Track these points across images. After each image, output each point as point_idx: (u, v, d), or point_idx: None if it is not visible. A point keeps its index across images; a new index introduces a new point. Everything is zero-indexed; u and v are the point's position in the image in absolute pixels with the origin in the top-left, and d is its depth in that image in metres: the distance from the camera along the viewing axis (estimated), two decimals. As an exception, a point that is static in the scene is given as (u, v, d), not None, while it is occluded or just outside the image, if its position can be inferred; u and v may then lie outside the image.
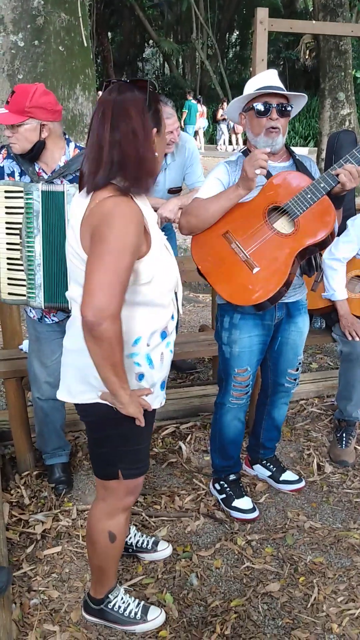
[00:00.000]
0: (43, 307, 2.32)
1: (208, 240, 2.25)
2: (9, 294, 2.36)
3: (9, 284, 2.34)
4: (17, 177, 2.30)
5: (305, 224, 2.22)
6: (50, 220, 2.23)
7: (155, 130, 1.54)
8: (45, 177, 2.28)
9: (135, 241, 1.47)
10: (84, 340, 1.49)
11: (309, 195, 2.19)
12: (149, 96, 1.49)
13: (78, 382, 1.66)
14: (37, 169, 2.29)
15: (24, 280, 2.32)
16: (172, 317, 1.71)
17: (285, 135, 2.27)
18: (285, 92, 2.18)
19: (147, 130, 1.50)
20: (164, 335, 1.67)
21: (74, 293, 1.61)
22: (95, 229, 1.46)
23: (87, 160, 1.53)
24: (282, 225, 2.23)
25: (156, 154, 1.56)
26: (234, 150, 17.04)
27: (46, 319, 2.45)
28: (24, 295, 2.33)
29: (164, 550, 2.31)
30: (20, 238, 2.28)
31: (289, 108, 2.22)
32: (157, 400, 1.73)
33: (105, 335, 1.43)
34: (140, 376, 1.65)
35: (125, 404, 1.58)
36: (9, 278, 2.34)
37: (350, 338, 2.88)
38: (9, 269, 2.33)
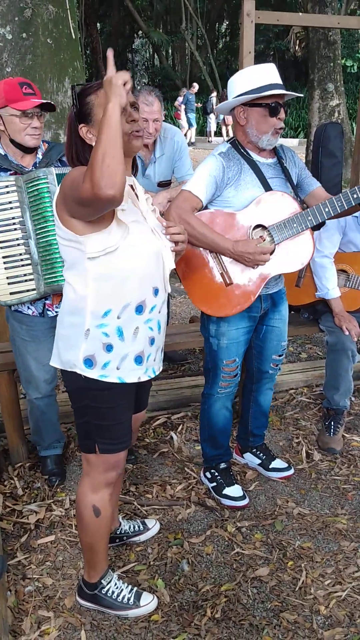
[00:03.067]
0: (43, 292, 2.30)
1: (189, 245, 2.25)
2: (11, 293, 2.30)
3: (9, 283, 2.30)
4: None
5: (284, 254, 2.29)
6: None
7: (82, 125, 1.63)
8: (29, 169, 2.30)
9: None
10: (63, 312, 1.72)
11: (294, 225, 2.24)
12: (73, 97, 1.64)
13: (61, 351, 1.76)
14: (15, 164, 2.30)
15: (28, 274, 2.29)
16: (155, 294, 1.75)
17: None
18: (294, 94, 2.19)
19: (73, 127, 1.65)
20: (139, 309, 1.71)
21: (64, 268, 1.74)
22: (60, 188, 1.60)
23: None
24: (263, 242, 2.28)
25: (93, 143, 1.62)
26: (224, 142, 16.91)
27: (49, 312, 2.42)
28: (31, 290, 2.30)
29: (154, 526, 2.42)
30: (24, 232, 2.26)
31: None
32: (132, 373, 1.76)
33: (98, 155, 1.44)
34: (109, 347, 1.70)
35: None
36: (8, 277, 2.29)
37: (347, 333, 2.92)
38: (6, 268, 2.28)
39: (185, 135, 17.96)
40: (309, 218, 2.23)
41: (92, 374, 1.70)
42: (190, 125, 17.83)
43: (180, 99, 17.45)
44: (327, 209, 2.23)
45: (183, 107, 17.48)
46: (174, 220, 2.17)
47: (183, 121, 17.59)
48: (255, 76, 2.18)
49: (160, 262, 1.75)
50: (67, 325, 1.73)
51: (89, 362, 1.70)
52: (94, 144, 1.58)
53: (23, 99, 2.18)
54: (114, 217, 1.62)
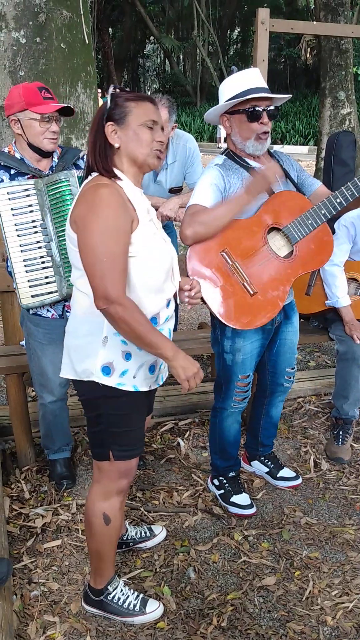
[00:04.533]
0: (65, 294, 2.30)
1: (206, 256, 2.20)
2: (33, 296, 2.30)
3: (30, 287, 2.29)
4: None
5: (305, 252, 2.25)
6: None
7: (110, 122, 1.65)
8: (46, 173, 2.31)
9: (121, 221, 1.58)
10: (77, 322, 1.72)
11: (309, 221, 2.21)
12: (110, 95, 1.65)
13: (75, 361, 1.75)
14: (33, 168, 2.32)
15: (50, 277, 2.29)
16: (168, 305, 1.77)
17: (270, 137, 2.25)
18: (275, 96, 2.14)
19: (99, 127, 1.66)
20: (154, 321, 1.72)
21: (71, 274, 1.76)
22: (79, 218, 1.60)
23: None
24: (279, 244, 2.25)
25: (116, 145, 1.66)
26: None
27: (68, 313, 2.40)
28: (53, 293, 2.30)
29: (161, 532, 2.41)
30: (45, 234, 2.26)
31: (274, 109, 2.18)
32: (145, 382, 1.77)
33: (117, 317, 1.57)
34: (127, 355, 1.71)
35: (170, 361, 1.65)
36: (29, 281, 2.29)
37: (358, 342, 2.90)
38: (27, 272, 2.28)
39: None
40: (323, 212, 2.21)
41: (110, 381, 1.70)
42: None
43: None
44: (338, 200, 2.21)
45: None
46: (189, 228, 2.13)
47: None
48: (236, 83, 2.17)
49: (171, 274, 1.77)
50: (83, 334, 1.71)
51: (107, 369, 1.70)
52: (117, 145, 1.65)
53: (43, 103, 2.19)
54: (138, 227, 1.64)
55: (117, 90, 1.67)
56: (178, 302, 1.88)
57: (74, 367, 1.76)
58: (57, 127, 2.25)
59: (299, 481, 2.76)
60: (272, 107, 2.17)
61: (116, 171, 1.67)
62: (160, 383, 1.87)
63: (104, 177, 1.65)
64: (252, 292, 2.21)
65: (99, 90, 18.30)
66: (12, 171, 2.29)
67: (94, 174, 1.69)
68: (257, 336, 2.36)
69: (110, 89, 1.67)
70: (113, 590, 2.01)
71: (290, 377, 2.61)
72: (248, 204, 2.15)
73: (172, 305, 1.81)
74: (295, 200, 2.25)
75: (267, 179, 2.12)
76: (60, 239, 2.27)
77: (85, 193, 1.62)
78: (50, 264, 2.29)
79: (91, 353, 1.70)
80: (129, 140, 1.66)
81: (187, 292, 1.87)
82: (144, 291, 1.67)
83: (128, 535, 2.33)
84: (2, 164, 2.28)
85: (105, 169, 1.65)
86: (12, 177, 2.29)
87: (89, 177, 1.70)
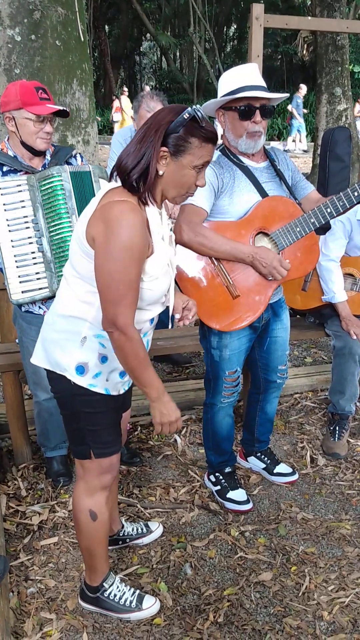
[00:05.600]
0: (56, 290, 2.28)
1: (192, 255, 2.22)
2: (23, 292, 2.29)
3: (21, 282, 2.29)
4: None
5: (291, 259, 2.26)
6: (83, 199, 2.24)
7: (165, 149, 1.53)
8: (39, 170, 2.31)
9: (142, 248, 1.54)
10: (56, 316, 1.71)
11: (298, 229, 2.21)
12: (178, 120, 1.51)
13: (49, 352, 1.74)
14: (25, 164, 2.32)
15: (41, 272, 2.29)
16: (151, 322, 1.79)
17: (265, 135, 2.21)
18: (270, 95, 2.11)
19: (155, 146, 1.52)
20: None
21: (65, 270, 1.72)
22: (99, 236, 1.52)
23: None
24: (266, 247, 2.25)
25: (160, 172, 1.56)
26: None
27: None
28: (43, 288, 2.29)
29: (157, 528, 2.41)
30: (36, 230, 2.26)
31: (270, 108, 2.15)
32: (115, 386, 1.77)
33: (118, 344, 1.57)
34: (104, 358, 1.71)
35: (152, 402, 1.68)
36: (19, 276, 2.28)
37: (355, 337, 2.90)
38: (18, 267, 2.28)
39: (294, 142, 17.01)
40: (312, 220, 2.21)
41: (83, 381, 1.70)
42: (298, 131, 16.78)
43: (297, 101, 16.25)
44: (329, 210, 2.20)
45: (295, 110, 16.37)
46: (188, 234, 2.13)
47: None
48: (234, 78, 2.13)
49: (164, 298, 1.76)
50: (61, 330, 1.71)
51: (81, 369, 1.70)
52: (161, 172, 1.55)
53: (39, 104, 2.19)
54: (151, 255, 1.61)
55: (198, 116, 1.51)
56: (170, 325, 1.93)
57: (47, 357, 1.75)
58: (50, 127, 2.26)
59: (296, 477, 2.77)
60: (267, 105, 2.14)
61: (149, 197, 1.58)
62: (127, 388, 1.86)
63: (132, 195, 1.55)
64: (234, 295, 2.23)
65: (125, 90, 17.99)
66: (5, 168, 2.29)
67: (118, 184, 1.58)
68: (245, 332, 2.37)
69: (186, 114, 1.50)
70: (109, 587, 2.01)
71: (283, 374, 2.61)
72: (243, 262, 2.19)
73: (155, 322, 1.82)
74: (286, 206, 2.24)
75: (274, 270, 2.17)
76: (52, 234, 2.26)
77: (108, 209, 1.52)
78: (41, 259, 2.29)
79: (67, 350, 1.69)
80: (173, 176, 1.58)
81: (183, 311, 1.86)
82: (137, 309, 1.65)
83: (124, 531, 2.34)
84: None
85: (144, 191, 1.55)
86: (4, 174, 2.28)
87: (113, 183, 1.61)
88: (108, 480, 1.87)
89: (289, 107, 16.69)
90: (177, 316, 1.88)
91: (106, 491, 1.90)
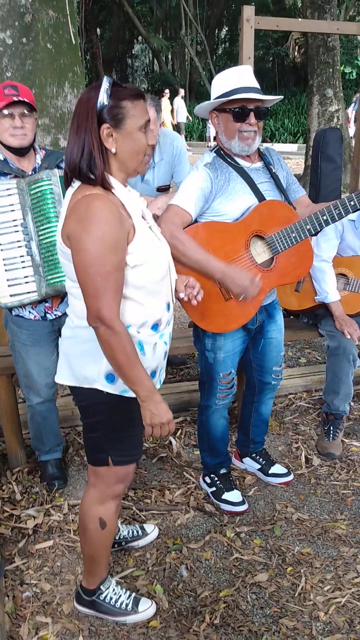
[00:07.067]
0: (45, 294, 2.29)
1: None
2: (11, 295, 2.28)
3: (9, 286, 2.28)
4: None
5: (285, 264, 2.26)
6: None
7: (106, 125, 1.52)
8: (29, 173, 2.30)
9: (116, 237, 1.51)
10: (75, 328, 1.67)
11: (293, 234, 2.21)
12: (102, 92, 1.50)
13: (75, 368, 1.71)
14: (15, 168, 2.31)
15: (29, 276, 2.28)
16: (168, 308, 1.74)
17: (260, 136, 2.21)
18: (264, 97, 2.11)
19: (92, 128, 1.52)
20: (155, 327, 1.69)
21: (66, 284, 1.70)
22: (72, 234, 1.52)
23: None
24: (260, 250, 2.26)
25: (113, 150, 1.55)
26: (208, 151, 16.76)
27: (49, 315, 2.42)
28: (31, 292, 2.28)
29: (153, 531, 2.40)
30: (25, 234, 2.26)
31: (265, 109, 2.15)
32: None
33: (104, 338, 1.53)
34: None
35: (142, 401, 1.63)
36: (8, 280, 2.27)
37: (348, 337, 2.91)
38: (7, 270, 2.27)
39: None
40: (308, 227, 2.21)
41: (114, 389, 1.67)
42: None
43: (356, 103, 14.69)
44: (325, 217, 2.20)
45: (354, 113, 14.91)
46: (165, 235, 2.10)
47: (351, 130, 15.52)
48: (228, 80, 2.13)
49: (169, 273, 1.73)
50: (85, 340, 1.65)
51: (112, 377, 1.66)
52: (113, 150, 1.55)
53: (4, 99, 2.18)
54: (135, 237, 1.58)
55: (112, 84, 1.51)
56: (173, 300, 1.85)
57: (73, 373, 1.71)
58: (20, 122, 2.21)
59: (291, 477, 2.77)
60: (261, 107, 2.13)
61: (110, 179, 1.57)
62: (158, 387, 1.81)
63: (95, 187, 1.54)
64: (226, 298, 2.23)
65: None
66: None
67: (78, 183, 1.58)
68: (238, 334, 2.37)
69: (106, 82, 1.50)
70: (105, 590, 2.00)
71: (277, 375, 2.62)
72: (212, 277, 2.16)
73: (172, 307, 1.78)
74: (283, 211, 2.25)
75: (246, 288, 2.12)
76: (41, 238, 2.25)
77: (77, 206, 1.52)
78: (30, 263, 2.28)
79: (94, 359, 1.64)
80: (126, 147, 1.56)
81: (186, 289, 1.84)
82: (144, 296, 1.63)
83: (120, 534, 2.33)
84: None
85: (101, 177, 1.54)
86: None
87: (73, 186, 1.60)
88: (121, 489, 1.86)
89: (348, 110, 15.10)
90: (182, 295, 1.84)
91: (117, 500, 1.88)
